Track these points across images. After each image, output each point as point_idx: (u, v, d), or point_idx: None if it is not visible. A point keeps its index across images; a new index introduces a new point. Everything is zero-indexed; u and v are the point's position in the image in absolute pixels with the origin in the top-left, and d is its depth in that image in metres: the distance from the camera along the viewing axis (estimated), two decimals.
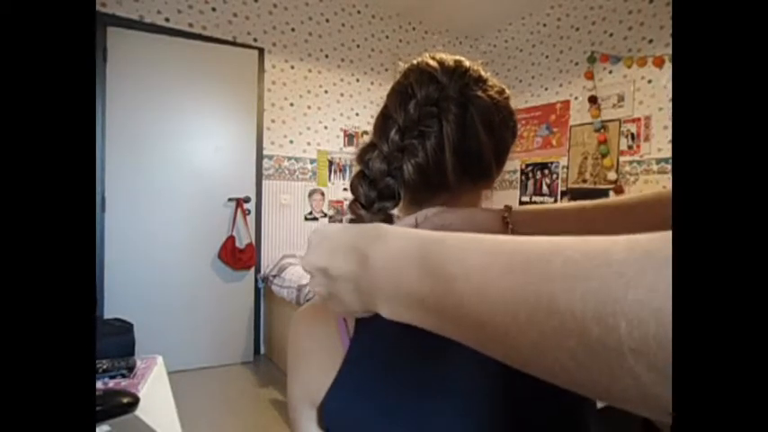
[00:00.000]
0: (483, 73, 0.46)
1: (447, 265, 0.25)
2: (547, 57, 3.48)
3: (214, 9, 2.87)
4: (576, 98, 3.25)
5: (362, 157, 0.44)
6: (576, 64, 3.24)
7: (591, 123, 3.11)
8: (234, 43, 2.92)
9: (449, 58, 0.46)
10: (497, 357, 0.24)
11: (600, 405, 0.45)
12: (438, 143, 0.42)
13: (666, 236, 0.17)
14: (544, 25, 3.49)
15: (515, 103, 0.49)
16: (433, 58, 0.46)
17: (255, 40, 3.02)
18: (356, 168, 0.44)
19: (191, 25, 2.79)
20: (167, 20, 2.71)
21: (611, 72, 3.00)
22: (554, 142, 3.41)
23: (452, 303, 0.24)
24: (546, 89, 3.47)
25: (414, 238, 0.29)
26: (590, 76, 3.10)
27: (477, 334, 0.24)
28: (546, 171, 3.47)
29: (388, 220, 0.43)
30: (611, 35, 3.01)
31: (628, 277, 0.17)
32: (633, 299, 0.16)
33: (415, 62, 0.47)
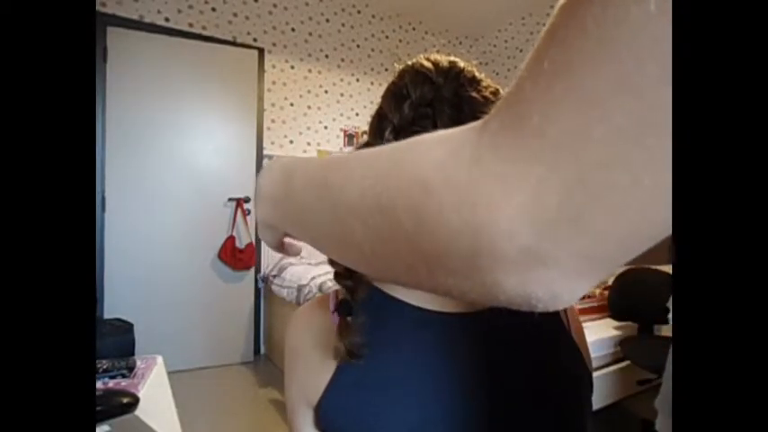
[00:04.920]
0: (477, 74, 0.46)
1: (297, 169, 0.30)
2: None
3: (214, 9, 2.87)
4: None
5: None
6: None
7: None
8: (234, 43, 2.92)
9: (443, 59, 0.46)
10: (318, 246, 0.28)
11: (597, 406, 0.46)
12: None
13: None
14: (544, 25, 3.48)
15: None
16: (428, 59, 0.46)
17: (255, 40, 3.02)
18: None
19: (191, 25, 2.79)
20: (167, 20, 2.71)
21: None
22: None
23: (288, 193, 0.30)
24: None
25: (291, 158, 0.34)
26: None
27: (299, 218, 0.29)
28: None
29: None
30: None
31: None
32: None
33: (409, 63, 0.47)
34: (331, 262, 0.45)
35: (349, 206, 0.22)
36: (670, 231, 0.15)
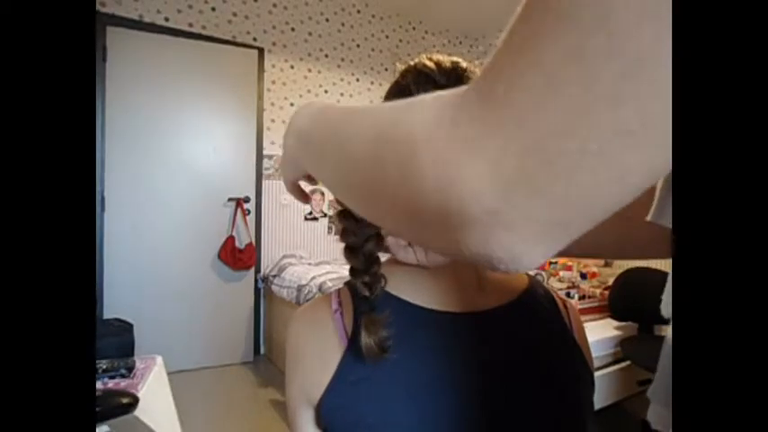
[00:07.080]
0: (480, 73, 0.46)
1: (326, 110, 0.32)
2: None
3: (214, 9, 2.86)
4: None
5: None
6: None
7: None
8: (234, 43, 2.92)
9: (446, 59, 0.46)
10: (328, 181, 0.30)
11: (597, 406, 0.46)
12: None
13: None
14: None
15: None
16: (431, 59, 0.46)
17: (255, 39, 3.02)
18: None
19: (190, 25, 2.79)
20: (167, 19, 2.71)
21: None
22: None
23: (312, 130, 0.32)
24: None
25: (330, 102, 0.35)
26: None
27: (316, 157, 0.31)
28: None
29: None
30: None
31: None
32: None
33: (412, 63, 0.47)
34: (347, 257, 0.46)
35: (351, 154, 0.25)
36: (626, 200, 0.16)
